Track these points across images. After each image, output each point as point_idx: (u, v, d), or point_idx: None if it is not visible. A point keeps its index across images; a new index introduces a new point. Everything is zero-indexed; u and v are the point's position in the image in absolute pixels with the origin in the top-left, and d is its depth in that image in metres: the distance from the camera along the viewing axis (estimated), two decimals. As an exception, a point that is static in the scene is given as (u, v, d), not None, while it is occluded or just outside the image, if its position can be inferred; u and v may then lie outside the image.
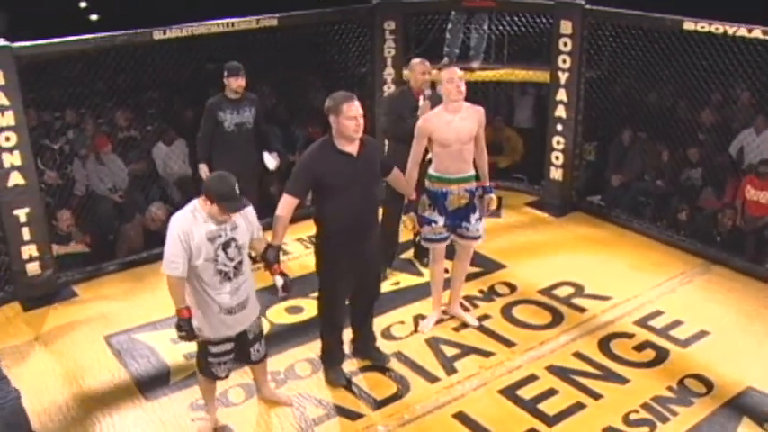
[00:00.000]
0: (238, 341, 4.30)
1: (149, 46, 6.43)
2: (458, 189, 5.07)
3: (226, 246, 4.02)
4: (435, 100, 5.37)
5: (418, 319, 5.56)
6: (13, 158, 5.66)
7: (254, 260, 4.67)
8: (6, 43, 5.52)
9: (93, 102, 7.67)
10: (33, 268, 5.92)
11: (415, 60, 5.83)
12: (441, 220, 5.11)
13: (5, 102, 5.55)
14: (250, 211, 4.19)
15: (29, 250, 5.87)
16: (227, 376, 4.39)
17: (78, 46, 5.90)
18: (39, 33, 5.84)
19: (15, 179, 5.69)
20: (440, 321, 5.53)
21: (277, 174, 6.96)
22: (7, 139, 5.61)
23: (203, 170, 6.12)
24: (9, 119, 5.58)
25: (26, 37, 5.76)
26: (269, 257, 4.33)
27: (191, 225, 3.96)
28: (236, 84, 6.04)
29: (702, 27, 6.09)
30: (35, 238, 5.88)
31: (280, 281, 4.36)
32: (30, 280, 5.92)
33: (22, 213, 5.77)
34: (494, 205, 5.30)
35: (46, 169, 7.37)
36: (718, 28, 6.03)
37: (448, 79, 4.92)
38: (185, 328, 4.04)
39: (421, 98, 5.60)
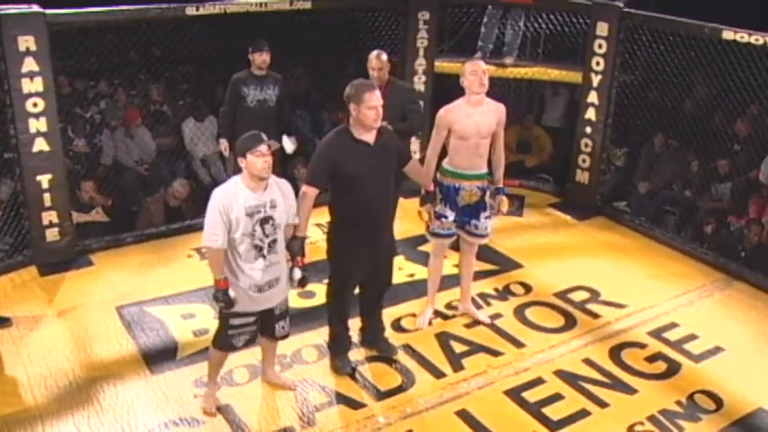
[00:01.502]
0: (264, 315, 4.32)
1: (186, 21, 6.44)
2: (470, 185, 5.02)
3: (264, 222, 4.06)
4: (395, 91, 5.45)
5: (430, 314, 5.50)
6: (39, 124, 5.71)
7: None
8: (39, 10, 5.55)
9: (127, 73, 7.70)
10: (52, 234, 5.98)
11: (371, 53, 5.58)
12: (451, 216, 5.07)
13: (35, 68, 5.59)
14: (290, 191, 4.23)
15: (49, 216, 5.93)
16: (244, 347, 4.41)
17: (110, 17, 5.94)
18: (76, 3, 5.86)
19: (40, 145, 5.75)
20: (449, 318, 5.51)
21: (301, 156, 6.96)
22: (35, 104, 5.66)
23: (223, 145, 6.16)
24: (38, 85, 5.63)
25: (63, 6, 5.79)
26: (293, 249, 4.36)
27: (231, 198, 4.01)
28: (260, 59, 6.11)
29: (742, 37, 5.97)
30: (56, 205, 5.94)
31: (298, 274, 4.38)
32: (48, 246, 5.98)
33: (44, 179, 5.83)
34: (505, 207, 5.20)
35: (75, 137, 7.43)
36: (758, 39, 5.90)
37: (471, 71, 4.86)
38: (223, 299, 4.11)
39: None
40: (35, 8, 5.55)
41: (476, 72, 4.86)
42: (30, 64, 5.55)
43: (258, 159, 3.97)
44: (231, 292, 4.11)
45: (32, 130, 5.69)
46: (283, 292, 4.37)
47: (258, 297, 4.20)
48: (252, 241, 4.07)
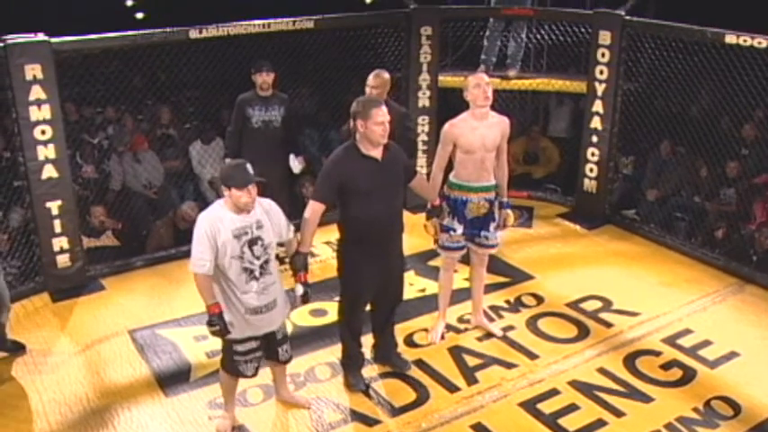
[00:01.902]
0: (266, 339, 4.30)
1: (189, 45, 6.48)
2: (478, 198, 5.02)
3: (252, 243, 4.04)
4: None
5: (442, 329, 5.48)
6: (48, 151, 5.75)
7: (281, 261, 4.68)
8: (45, 38, 5.61)
9: (133, 98, 7.75)
10: (63, 260, 6.01)
11: (373, 72, 5.55)
12: (459, 229, 5.07)
13: (43, 95, 5.64)
14: (275, 210, 4.21)
15: (60, 242, 5.96)
16: (254, 375, 4.37)
17: (115, 42, 5.99)
18: (84, 30, 5.91)
19: (49, 172, 5.78)
20: (461, 331, 5.50)
21: (309, 175, 6.97)
22: (43, 132, 5.70)
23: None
24: (45, 112, 5.68)
25: (71, 33, 5.84)
26: (296, 264, 4.36)
27: (217, 222, 4.00)
28: (260, 79, 6.11)
29: (745, 41, 5.96)
30: (66, 231, 5.97)
31: (300, 290, 4.38)
32: (59, 272, 6.00)
33: (54, 206, 5.86)
34: (510, 221, 5.21)
35: (84, 163, 7.47)
36: (760, 42, 5.90)
37: (474, 85, 4.88)
38: (217, 323, 4.07)
39: None
40: (41, 36, 5.60)
41: (479, 85, 4.87)
42: (37, 92, 5.59)
43: (243, 195, 3.95)
44: (226, 316, 4.09)
45: (41, 157, 5.73)
46: (281, 314, 4.35)
47: (256, 321, 4.17)
48: (241, 264, 4.04)
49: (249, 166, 4.02)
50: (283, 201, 5.84)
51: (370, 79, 5.51)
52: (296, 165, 6.24)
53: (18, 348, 5.21)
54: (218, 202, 4.10)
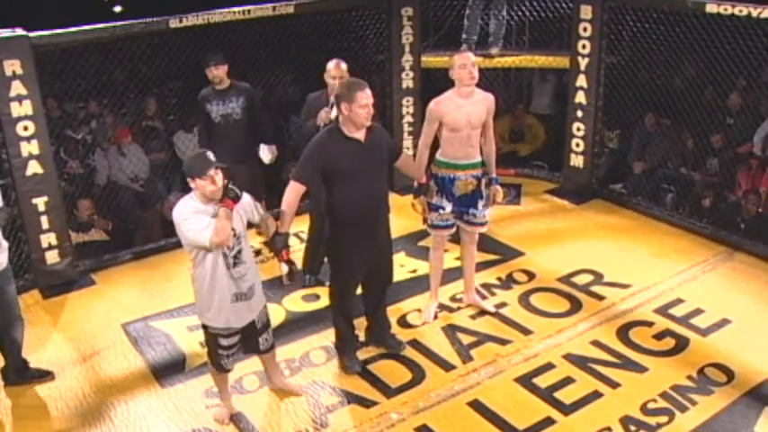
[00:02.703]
0: (246, 332, 4.30)
1: (170, 35, 6.43)
2: (465, 175, 5.03)
3: None
4: None
5: (435, 308, 5.50)
6: (32, 147, 5.71)
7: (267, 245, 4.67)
8: (23, 32, 5.55)
9: (116, 92, 7.69)
10: (52, 256, 5.98)
11: (330, 62, 5.50)
12: (448, 207, 5.08)
13: (23, 91, 5.58)
14: (244, 195, 4.14)
15: (47, 239, 5.93)
16: (232, 369, 4.41)
17: (95, 35, 5.91)
18: (60, 24, 5.85)
19: (33, 168, 5.74)
20: (454, 310, 5.51)
21: (295, 161, 6.93)
22: (25, 128, 5.65)
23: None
24: (27, 108, 5.62)
25: (47, 27, 5.78)
26: (276, 244, 4.36)
27: (191, 211, 3.96)
28: (211, 74, 5.93)
29: (725, 9, 5.96)
30: (54, 227, 5.93)
31: (285, 268, 4.39)
32: (49, 268, 5.97)
33: (40, 202, 5.82)
34: (500, 197, 5.21)
35: (69, 159, 7.43)
36: (741, 10, 5.89)
37: (460, 65, 4.86)
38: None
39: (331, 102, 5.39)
40: (19, 31, 5.54)
41: (465, 65, 4.86)
42: (17, 87, 5.54)
43: (207, 183, 3.90)
44: (215, 304, 4.08)
45: (25, 153, 5.68)
46: (260, 302, 4.34)
47: (236, 309, 4.15)
48: (215, 256, 4.02)
49: (210, 154, 3.97)
50: (260, 193, 5.82)
51: (332, 69, 5.45)
52: (266, 154, 6.10)
53: (45, 375, 4.94)
54: (188, 196, 4.04)
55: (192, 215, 3.93)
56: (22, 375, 4.85)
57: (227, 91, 6.00)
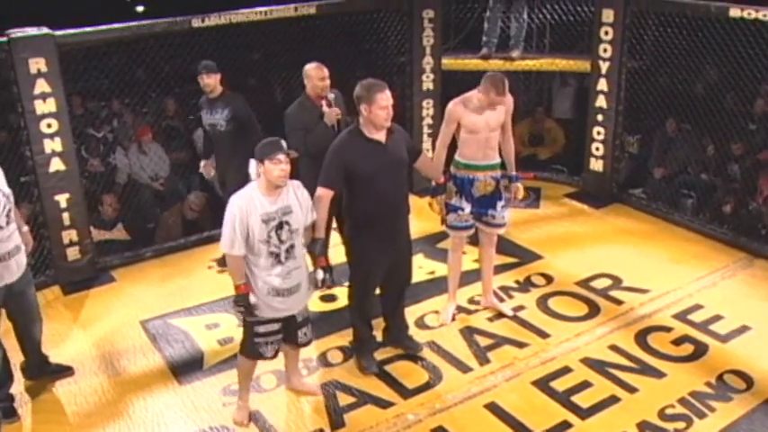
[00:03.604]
0: (286, 322, 4.32)
1: (192, 35, 6.48)
2: (484, 176, 5.03)
3: (279, 228, 4.07)
4: (341, 100, 5.38)
5: (453, 309, 5.49)
6: (54, 144, 5.77)
7: None
8: (48, 31, 5.61)
9: (138, 91, 7.75)
10: (73, 253, 6.03)
11: (310, 66, 5.49)
12: (467, 208, 5.08)
13: (47, 89, 5.64)
14: (304, 194, 4.23)
15: (69, 235, 5.98)
16: (274, 357, 4.39)
17: (118, 34, 5.98)
18: (84, 24, 5.91)
19: (56, 165, 5.80)
20: (472, 312, 5.51)
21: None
22: (49, 125, 5.71)
23: (201, 166, 6.22)
24: (51, 105, 5.68)
25: (71, 27, 5.84)
26: (314, 250, 4.39)
27: (248, 205, 4.04)
28: (202, 83, 5.83)
29: (749, 14, 5.93)
30: (75, 224, 5.99)
31: (320, 275, 4.41)
32: (70, 265, 6.03)
33: (62, 199, 5.88)
34: (520, 194, 5.22)
35: (90, 157, 7.49)
36: (765, 15, 5.86)
37: (490, 101, 4.86)
38: (243, 304, 4.14)
39: (324, 104, 5.41)
40: (44, 30, 5.60)
41: (492, 103, 4.87)
42: (42, 85, 5.60)
43: (275, 167, 3.99)
44: (252, 298, 4.14)
45: (48, 150, 5.74)
46: (304, 298, 4.37)
47: (279, 303, 4.20)
48: (268, 248, 4.08)
49: (281, 141, 4.08)
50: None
51: (316, 71, 5.45)
52: (254, 171, 5.96)
53: (65, 371, 4.97)
54: (250, 185, 4.14)
55: (234, 219, 4.02)
56: (43, 370, 4.89)
57: (215, 100, 5.85)
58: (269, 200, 4.06)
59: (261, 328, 4.26)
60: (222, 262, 6.14)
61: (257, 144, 5.53)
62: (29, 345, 4.75)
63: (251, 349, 4.34)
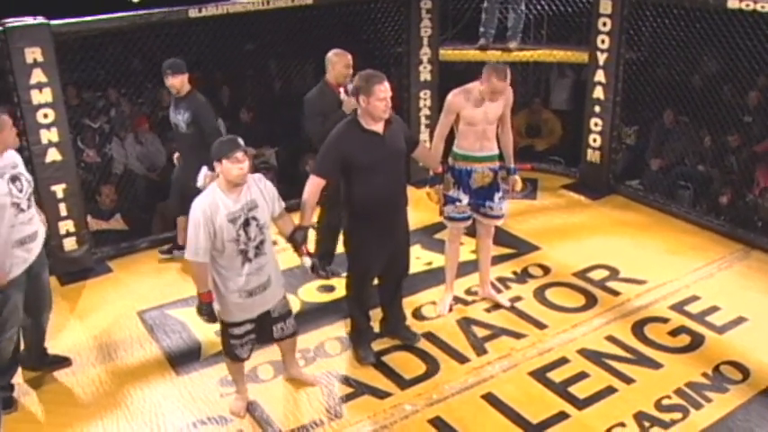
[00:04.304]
0: (259, 320, 4.30)
1: (188, 25, 6.45)
2: (482, 167, 5.03)
3: (246, 224, 4.03)
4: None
5: (450, 300, 5.50)
6: (51, 135, 5.75)
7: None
8: (44, 21, 5.58)
9: (134, 81, 7.73)
10: (70, 243, 6.03)
11: (333, 52, 5.51)
12: (465, 199, 5.08)
13: (43, 79, 5.62)
14: (268, 186, 4.19)
15: (65, 226, 5.97)
16: (248, 357, 4.40)
17: (115, 24, 5.94)
18: (80, 14, 5.88)
19: (53, 155, 5.78)
20: (469, 303, 5.52)
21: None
22: (45, 115, 5.70)
23: (175, 158, 6.14)
24: (47, 95, 5.67)
25: (66, 16, 5.81)
26: (297, 239, 4.36)
27: (211, 207, 3.98)
28: (167, 83, 5.73)
29: (747, 5, 5.91)
30: (72, 214, 5.98)
31: (308, 262, 4.39)
32: (66, 255, 6.01)
33: (59, 189, 5.87)
34: (518, 186, 5.22)
35: (86, 148, 7.47)
36: (764, 6, 5.84)
37: (491, 90, 4.83)
38: (206, 312, 4.13)
39: (342, 92, 5.42)
40: (40, 19, 5.57)
41: (494, 90, 4.83)
42: (38, 75, 5.58)
43: (233, 166, 3.92)
44: (215, 306, 4.12)
45: (44, 140, 5.72)
46: (277, 292, 4.34)
47: (250, 303, 4.17)
48: (237, 246, 4.03)
49: (240, 139, 4.00)
50: (183, 211, 5.59)
51: (341, 57, 5.47)
52: (201, 179, 5.58)
53: (62, 361, 4.98)
54: (210, 187, 4.07)
55: (199, 223, 3.96)
56: (42, 361, 4.88)
57: (180, 101, 5.75)
58: (232, 198, 4.00)
59: (236, 330, 4.25)
60: (168, 250, 6.21)
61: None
62: (34, 334, 4.76)
63: (229, 351, 4.34)
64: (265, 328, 4.37)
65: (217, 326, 5.11)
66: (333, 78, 5.50)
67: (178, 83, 5.69)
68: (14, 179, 4.29)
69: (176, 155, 6.11)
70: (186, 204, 5.53)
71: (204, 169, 5.54)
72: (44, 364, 4.89)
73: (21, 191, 4.30)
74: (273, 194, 4.21)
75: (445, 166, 5.05)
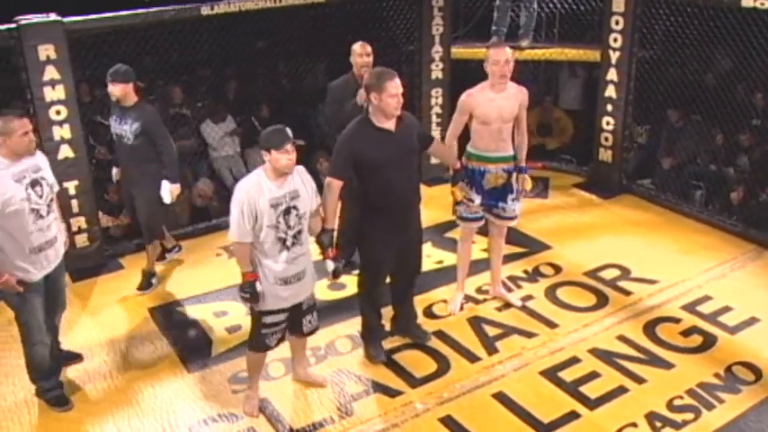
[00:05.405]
0: (292, 311, 4.31)
1: (201, 22, 6.46)
2: (496, 168, 5.01)
3: (287, 213, 4.06)
4: None
5: (461, 299, 5.49)
6: (63, 131, 5.78)
7: None
8: (58, 18, 5.60)
9: (145, 78, 7.73)
10: (82, 240, 6.06)
11: (356, 44, 5.61)
12: (477, 199, 5.06)
13: (57, 75, 5.65)
14: (308, 177, 4.22)
15: (77, 222, 6.00)
16: (276, 345, 4.40)
17: (128, 21, 5.97)
18: (92, 11, 5.90)
19: (65, 152, 5.81)
20: (480, 302, 5.51)
21: (323, 150, 6.93)
22: (58, 112, 5.72)
23: (114, 173, 5.88)
24: (60, 92, 5.69)
25: (79, 14, 5.83)
26: (323, 241, 4.38)
27: (256, 191, 4.01)
28: (110, 90, 5.42)
29: (762, 4, 5.86)
30: (84, 211, 6.01)
31: (331, 266, 4.40)
32: (78, 252, 6.03)
33: (71, 186, 5.89)
34: (528, 185, 5.14)
35: (97, 145, 7.48)
36: (779, 5, 5.81)
37: (494, 61, 4.82)
38: (249, 291, 4.12)
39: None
40: (53, 17, 5.60)
41: (498, 62, 4.81)
42: (51, 72, 5.61)
43: (282, 156, 3.97)
44: (258, 286, 4.12)
45: (57, 137, 5.75)
46: (311, 285, 4.36)
47: (285, 291, 4.18)
48: (276, 234, 4.06)
49: (288, 129, 4.03)
50: (152, 233, 5.70)
51: (360, 47, 5.59)
52: (166, 193, 5.48)
53: (74, 358, 5.00)
54: (256, 171, 4.12)
55: (242, 205, 3.99)
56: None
57: (127, 110, 5.41)
58: (276, 184, 4.04)
59: (268, 319, 4.26)
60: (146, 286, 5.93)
61: (167, 163, 5.43)
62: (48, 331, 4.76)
63: (259, 341, 4.34)
64: (295, 321, 4.38)
65: (228, 322, 5.17)
66: (356, 69, 5.58)
67: (118, 91, 5.36)
68: (35, 184, 4.23)
69: (115, 170, 5.81)
70: (153, 219, 5.65)
71: (165, 183, 5.46)
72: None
73: (41, 196, 4.25)
74: (314, 188, 4.25)
75: (460, 163, 5.03)
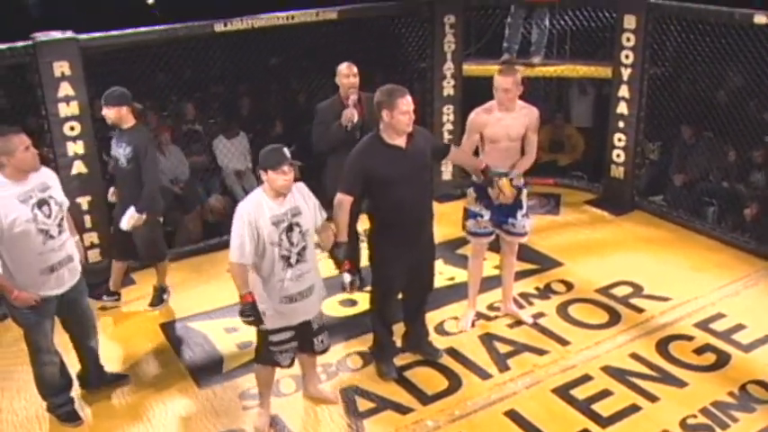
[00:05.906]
0: (300, 330, 4.30)
1: (214, 39, 6.50)
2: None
3: (289, 230, 4.06)
4: (369, 103, 5.09)
5: (473, 316, 5.47)
6: (77, 147, 5.82)
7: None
8: (72, 35, 5.66)
9: (159, 94, 7.79)
10: (94, 255, 6.06)
11: (342, 65, 5.61)
12: (487, 215, 5.05)
13: (71, 92, 5.70)
14: (308, 192, 4.24)
15: (90, 238, 6.03)
16: (290, 365, 4.38)
17: (142, 38, 6.03)
18: (105, 28, 5.96)
19: (78, 168, 5.86)
20: (491, 319, 5.50)
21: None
22: (72, 128, 5.77)
23: (110, 193, 5.75)
24: (74, 108, 5.74)
25: (93, 29, 5.89)
26: (338, 255, 4.39)
27: (256, 210, 4.02)
28: (104, 114, 5.38)
29: (773, 21, 5.88)
30: (96, 226, 6.04)
31: (348, 278, 4.40)
32: (90, 267, 5.99)
33: (84, 201, 5.93)
34: (506, 190, 4.87)
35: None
36: (791, 22, 5.81)
37: (503, 89, 4.83)
38: (250, 313, 4.08)
39: (350, 102, 5.45)
40: (69, 34, 5.65)
41: (507, 90, 4.82)
42: (65, 88, 5.66)
43: (278, 177, 3.99)
44: (260, 306, 4.10)
45: (71, 153, 5.80)
46: (318, 302, 4.35)
47: (291, 310, 4.17)
48: (279, 251, 4.06)
49: (286, 149, 4.04)
50: (140, 245, 5.59)
51: (344, 68, 5.59)
52: (126, 219, 5.39)
53: (122, 378, 4.98)
54: (257, 190, 4.13)
55: (243, 225, 3.99)
56: (101, 380, 4.87)
57: (122, 132, 5.41)
58: (277, 202, 4.05)
59: (274, 338, 4.25)
60: (99, 295, 5.87)
61: (144, 193, 5.34)
62: (87, 358, 4.77)
63: (266, 356, 4.33)
64: (306, 340, 4.37)
65: (240, 338, 5.16)
66: (342, 90, 5.60)
67: (112, 114, 5.33)
68: (42, 204, 4.16)
69: (111, 190, 5.72)
70: (155, 241, 5.63)
71: (131, 210, 5.37)
72: (104, 382, 4.89)
73: (49, 216, 4.17)
74: (316, 203, 4.25)
75: (485, 166, 4.93)
